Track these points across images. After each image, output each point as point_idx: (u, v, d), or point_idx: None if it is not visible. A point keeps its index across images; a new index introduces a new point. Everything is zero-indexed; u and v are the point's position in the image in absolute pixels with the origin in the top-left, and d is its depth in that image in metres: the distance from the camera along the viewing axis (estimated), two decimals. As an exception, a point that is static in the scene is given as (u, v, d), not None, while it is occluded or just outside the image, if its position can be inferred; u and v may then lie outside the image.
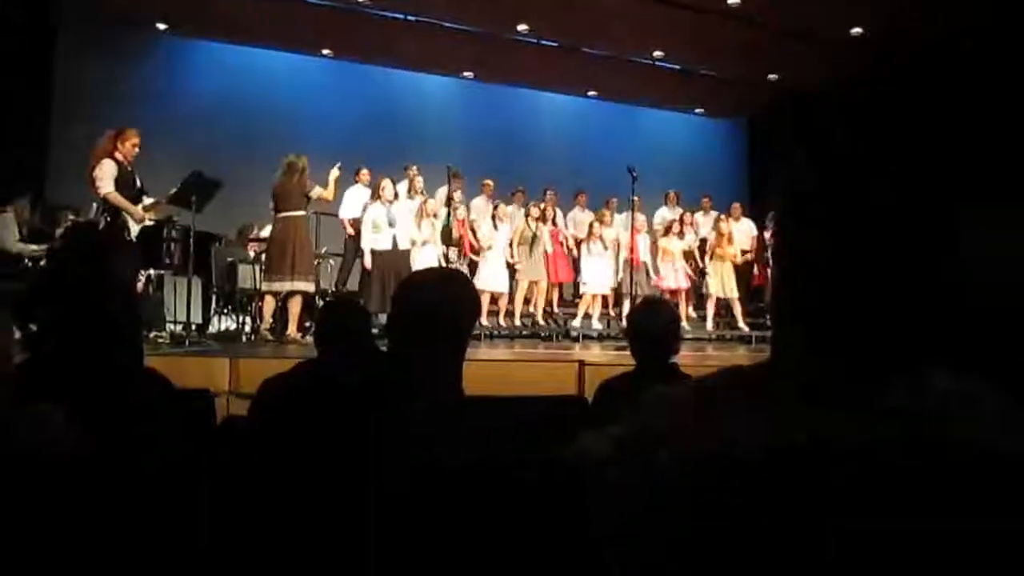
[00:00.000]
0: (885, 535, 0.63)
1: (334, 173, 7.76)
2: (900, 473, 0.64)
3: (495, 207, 9.74)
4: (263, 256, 7.66)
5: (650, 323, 2.79)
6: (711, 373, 0.81)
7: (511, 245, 9.66)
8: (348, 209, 9.09)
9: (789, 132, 11.44)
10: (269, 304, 7.45)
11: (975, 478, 0.63)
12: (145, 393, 2.03)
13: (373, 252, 8.29)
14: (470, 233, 9.35)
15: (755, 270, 10.66)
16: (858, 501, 0.64)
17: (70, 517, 1.28)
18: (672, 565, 0.70)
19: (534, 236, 9.59)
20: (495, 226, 9.53)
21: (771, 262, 0.82)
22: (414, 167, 9.35)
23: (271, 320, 7.47)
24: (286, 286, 7.31)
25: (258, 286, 7.67)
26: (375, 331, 4.92)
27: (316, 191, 7.55)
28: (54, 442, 1.37)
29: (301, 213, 7.48)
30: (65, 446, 1.38)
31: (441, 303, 1.90)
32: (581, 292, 9.99)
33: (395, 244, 8.42)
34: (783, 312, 0.76)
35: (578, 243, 10.22)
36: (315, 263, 8.26)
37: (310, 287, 7.55)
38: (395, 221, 8.48)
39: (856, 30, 10.18)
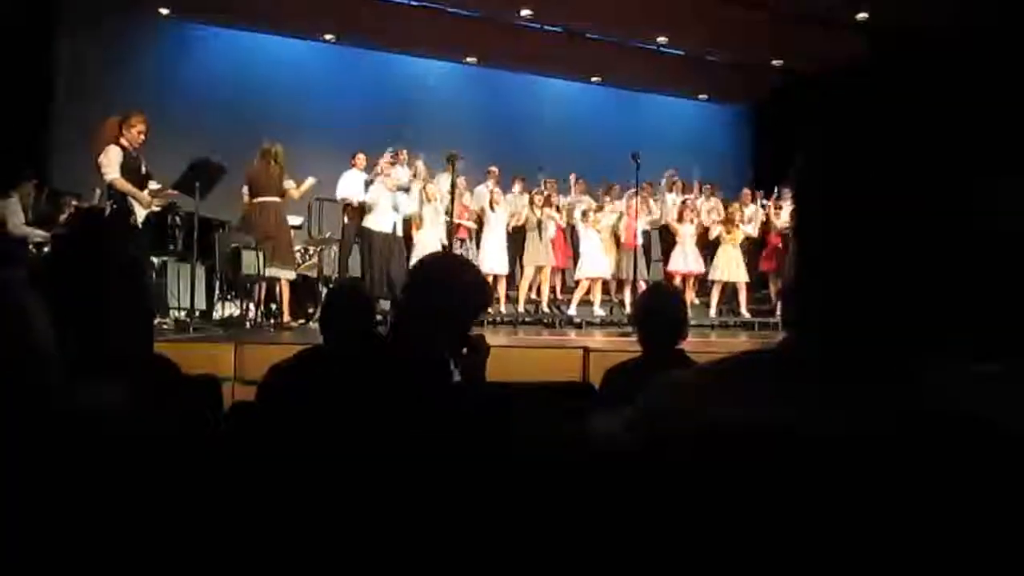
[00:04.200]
0: (901, 519, 0.64)
1: (309, 182, 7.79)
2: (917, 457, 0.65)
3: (491, 193, 9.73)
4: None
5: (658, 309, 2.78)
6: (724, 356, 0.81)
7: (508, 228, 9.71)
8: (346, 192, 9.08)
9: (794, 117, 11.39)
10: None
11: (993, 461, 0.64)
12: (155, 379, 2.04)
13: (371, 233, 8.36)
14: (469, 218, 9.41)
15: (762, 255, 10.66)
16: (875, 485, 0.65)
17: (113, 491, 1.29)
18: (686, 542, 0.71)
19: (539, 222, 9.60)
20: (492, 209, 9.53)
21: (790, 242, 0.81)
22: (404, 151, 9.36)
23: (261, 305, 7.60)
24: (268, 274, 7.36)
25: (261, 272, 7.68)
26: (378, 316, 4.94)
27: (289, 183, 7.54)
28: (114, 418, 1.38)
29: (276, 199, 7.48)
30: (124, 424, 1.40)
31: (450, 290, 1.91)
32: (576, 278, 10.00)
33: (394, 229, 8.51)
34: (803, 294, 0.77)
35: (575, 229, 10.24)
36: (312, 249, 8.37)
37: (289, 274, 7.60)
38: (399, 206, 8.59)
39: (861, 15, 10.13)
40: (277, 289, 7.63)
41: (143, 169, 6.48)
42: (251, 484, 1.66)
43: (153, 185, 6.58)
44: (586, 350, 5.16)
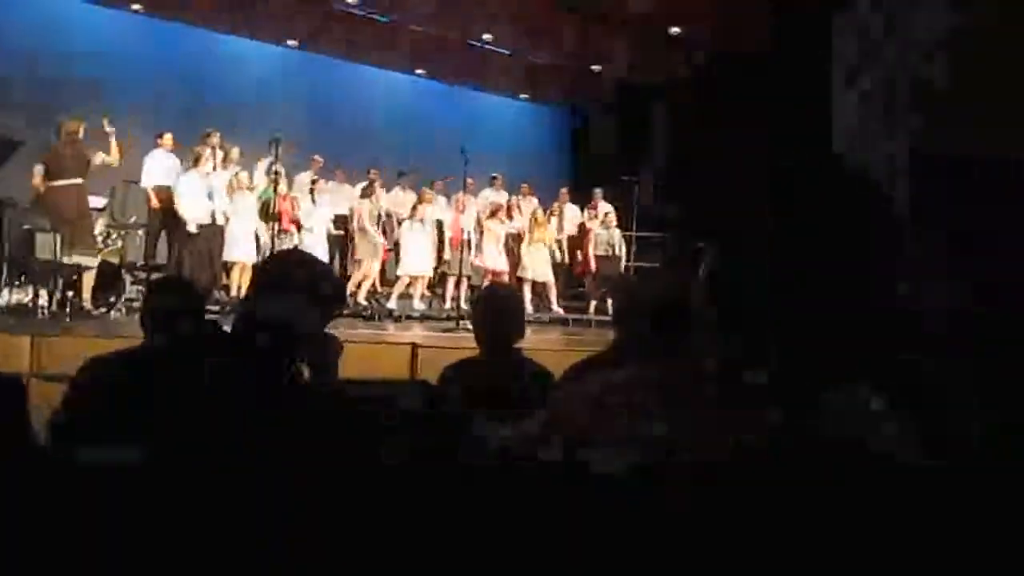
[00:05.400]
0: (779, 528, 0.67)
1: (110, 130, 7.32)
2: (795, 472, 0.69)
3: (313, 183, 9.46)
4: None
5: (498, 309, 2.80)
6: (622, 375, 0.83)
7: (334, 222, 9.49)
8: (152, 177, 8.51)
9: (611, 121, 11.83)
10: None
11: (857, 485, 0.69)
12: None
13: (185, 222, 7.98)
14: (291, 208, 9.10)
15: (579, 256, 11.02)
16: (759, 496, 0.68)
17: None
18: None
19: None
20: (313, 201, 9.26)
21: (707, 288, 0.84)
22: (216, 134, 8.91)
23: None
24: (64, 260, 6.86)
25: (58, 257, 7.08)
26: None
27: (100, 157, 7.09)
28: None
29: (78, 181, 6.99)
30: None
31: (300, 290, 1.84)
32: (398, 273, 9.90)
33: (213, 219, 8.15)
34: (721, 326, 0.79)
35: (399, 222, 10.13)
36: (115, 234, 7.85)
37: (91, 261, 7.13)
38: (214, 194, 8.21)
39: (675, 30, 10.65)
40: (76, 276, 7.07)
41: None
42: (70, 499, 1.52)
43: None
44: (415, 346, 5.13)
